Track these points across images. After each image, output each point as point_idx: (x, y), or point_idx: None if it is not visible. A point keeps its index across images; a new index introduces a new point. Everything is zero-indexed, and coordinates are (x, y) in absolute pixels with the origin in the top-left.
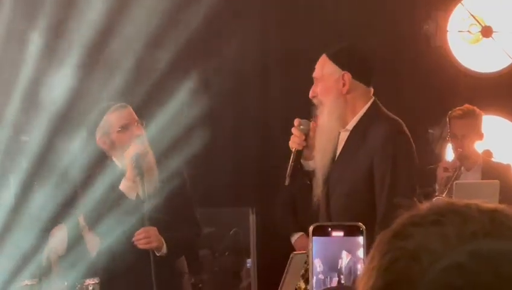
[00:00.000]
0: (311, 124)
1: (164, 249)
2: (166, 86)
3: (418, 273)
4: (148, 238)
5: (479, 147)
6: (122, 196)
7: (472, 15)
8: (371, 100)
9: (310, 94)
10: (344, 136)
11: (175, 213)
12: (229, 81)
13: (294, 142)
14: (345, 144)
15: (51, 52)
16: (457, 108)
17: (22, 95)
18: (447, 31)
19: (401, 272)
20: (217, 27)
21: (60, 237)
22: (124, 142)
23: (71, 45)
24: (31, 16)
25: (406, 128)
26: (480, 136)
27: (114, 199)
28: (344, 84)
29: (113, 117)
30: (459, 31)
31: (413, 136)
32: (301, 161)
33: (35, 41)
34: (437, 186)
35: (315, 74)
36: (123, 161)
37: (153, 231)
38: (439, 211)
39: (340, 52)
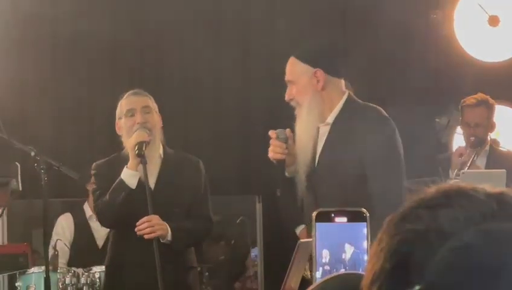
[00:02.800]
0: (287, 131)
1: (169, 237)
2: (176, 74)
3: (427, 254)
4: (151, 227)
5: (489, 136)
6: (123, 185)
7: (479, 4)
8: (346, 93)
9: (286, 98)
10: (325, 130)
11: (188, 205)
12: (235, 71)
13: (277, 153)
14: (327, 138)
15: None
16: (471, 96)
17: None
18: (454, 20)
19: (409, 253)
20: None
21: (66, 225)
22: (129, 128)
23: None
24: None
25: (385, 113)
26: (492, 126)
27: (116, 188)
28: (318, 81)
29: (123, 103)
30: (466, 20)
31: (420, 125)
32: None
33: None
34: (451, 172)
35: (287, 78)
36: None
37: (156, 219)
38: (447, 193)
39: (308, 50)
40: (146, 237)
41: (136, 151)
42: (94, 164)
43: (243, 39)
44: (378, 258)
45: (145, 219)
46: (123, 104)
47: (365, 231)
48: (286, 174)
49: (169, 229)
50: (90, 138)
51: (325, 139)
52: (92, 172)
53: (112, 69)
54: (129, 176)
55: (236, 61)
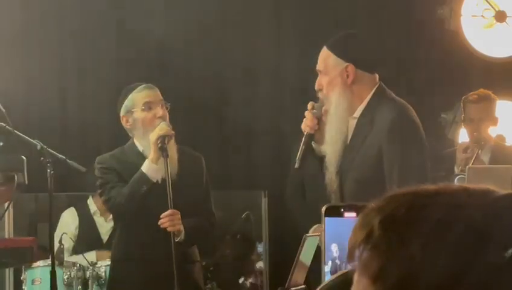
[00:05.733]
0: (323, 108)
1: (182, 236)
2: (180, 68)
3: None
4: (172, 221)
5: (492, 131)
6: (145, 178)
7: (486, 0)
8: (376, 85)
9: (316, 86)
10: (353, 123)
11: (192, 201)
12: (240, 64)
13: (307, 126)
14: (354, 131)
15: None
16: (473, 92)
17: None
18: (461, 15)
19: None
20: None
21: (71, 220)
22: (147, 122)
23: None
24: None
25: (412, 111)
26: (494, 120)
27: (137, 181)
28: (348, 76)
29: (138, 96)
30: (473, 16)
31: (426, 120)
32: (313, 144)
33: None
34: (456, 168)
35: (318, 67)
36: (143, 141)
37: (178, 214)
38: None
39: (341, 43)
40: (169, 229)
41: (159, 145)
42: (98, 157)
43: (247, 34)
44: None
45: (169, 212)
46: (137, 97)
47: None
48: (313, 146)
49: (183, 228)
50: (95, 131)
51: (352, 133)
52: (98, 166)
53: (117, 64)
54: (152, 170)
55: (241, 55)
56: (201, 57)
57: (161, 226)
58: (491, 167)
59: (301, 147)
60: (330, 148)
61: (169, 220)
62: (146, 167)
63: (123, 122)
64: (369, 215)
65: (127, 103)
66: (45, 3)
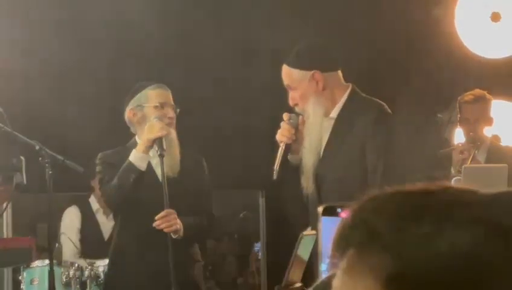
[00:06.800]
0: (300, 118)
1: (181, 233)
2: (178, 69)
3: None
4: (169, 221)
5: (487, 132)
6: (132, 168)
7: (481, 0)
8: (350, 87)
9: (291, 103)
10: (328, 124)
11: (192, 201)
12: (237, 64)
13: (284, 136)
14: (331, 132)
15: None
16: (468, 93)
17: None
18: (456, 16)
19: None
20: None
21: (74, 218)
22: (157, 118)
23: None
24: None
25: (388, 109)
26: (490, 120)
27: (125, 170)
28: (318, 83)
29: (153, 93)
30: (468, 16)
31: (422, 120)
32: (288, 157)
33: None
34: (452, 169)
35: (286, 83)
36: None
37: (173, 213)
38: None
39: (300, 56)
40: (166, 230)
41: (157, 143)
42: (100, 153)
43: (245, 33)
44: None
45: (164, 212)
46: (152, 94)
47: None
48: (289, 158)
49: (182, 226)
50: (95, 131)
51: (329, 133)
52: (98, 161)
53: (117, 65)
54: (138, 158)
55: (238, 54)
56: (199, 55)
57: (157, 227)
58: (486, 166)
59: (278, 158)
60: (307, 153)
61: (165, 221)
62: (133, 156)
63: (129, 115)
64: (361, 215)
65: (139, 96)
66: (44, 3)
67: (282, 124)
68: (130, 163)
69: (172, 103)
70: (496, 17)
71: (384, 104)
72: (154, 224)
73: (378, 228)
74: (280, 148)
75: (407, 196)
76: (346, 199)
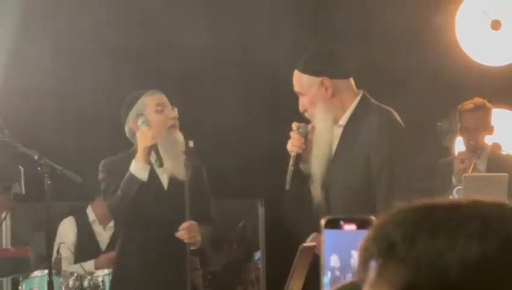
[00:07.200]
0: (309, 126)
1: (199, 244)
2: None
3: None
4: (190, 233)
5: (488, 140)
6: (134, 179)
7: (481, 9)
8: (360, 94)
9: (301, 109)
10: (338, 131)
11: (194, 208)
12: (237, 73)
13: (294, 146)
14: (340, 140)
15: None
16: (468, 101)
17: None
18: (456, 24)
19: None
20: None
21: (69, 229)
22: (160, 123)
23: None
24: None
25: (398, 117)
26: (490, 129)
27: (127, 182)
28: (327, 89)
29: (150, 98)
30: (469, 25)
31: (422, 129)
32: (300, 166)
33: None
34: (454, 178)
35: (296, 89)
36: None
37: (195, 225)
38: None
39: (309, 62)
40: (186, 241)
41: (155, 154)
42: (102, 161)
43: (244, 40)
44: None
45: (186, 224)
46: (150, 100)
47: None
48: (301, 167)
49: (200, 238)
50: (93, 141)
51: (338, 141)
52: (101, 168)
53: (114, 73)
54: (139, 169)
55: (238, 63)
56: (198, 63)
57: (179, 237)
58: (486, 175)
59: (290, 168)
60: (316, 161)
61: (187, 232)
62: (133, 167)
63: (133, 126)
64: (384, 228)
65: (137, 106)
66: (42, 13)
67: (292, 133)
68: (131, 174)
69: (168, 103)
70: (496, 25)
71: (393, 111)
72: (177, 234)
73: (396, 240)
74: (291, 158)
75: (430, 209)
76: (354, 208)
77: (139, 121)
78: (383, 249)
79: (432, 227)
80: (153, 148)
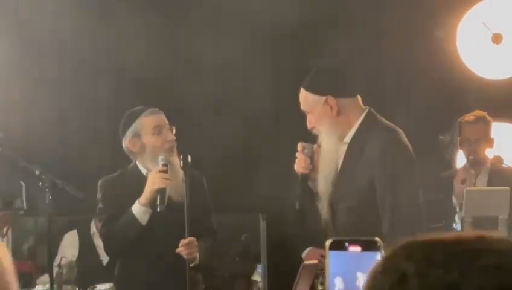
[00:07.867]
0: (314, 146)
1: (197, 261)
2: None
3: None
4: (190, 249)
5: (489, 153)
6: (135, 222)
7: (482, 22)
8: (366, 111)
9: (308, 126)
10: (343, 149)
11: (194, 220)
12: (242, 87)
13: (301, 167)
14: (344, 157)
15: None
16: (468, 114)
17: None
18: (458, 37)
19: None
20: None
21: (71, 243)
22: (157, 146)
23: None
24: None
25: (403, 136)
26: (491, 142)
27: (127, 224)
28: (332, 108)
29: (147, 120)
30: (470, 38)
31: (424, 142)
32: (309, 184)
33: None
34: (454, 198)
35: (302, 108)
36: (149, 165)
37: (195, 241)
38: None
39: (314, 80)
40: (186, 257)
41: (159, 198)
42: (101, 180)
43: (245, 55)
44: None
45: (187, 240)
46: (147, 122)
47: (379, 257)
48: (309, 185)
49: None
50: (94, 156)
51: (343, 158)
52: (99, 188)
53: (116, 88)
54: (142, 212)
55: (241, 78)
56: (198, 78)
57: (179, 253)
58: (488, 189)
59: (298, 188)
60: (322, 179)
61: (187, 248)
62: (136, 209)
63: (129, 145)
64: (394, 259)
65: (135, 126)
66: (43, 30)
67: (298, 154)
68: (133, 217)
69: (167, 123)
70: (497, 38)
71: (399, 130)
72: (178, 250)
73: (407, 273)
74: (299, 179)
75: (438, 243)
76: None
77: (153, 170)
78: (394, 282)
79: (445, 261)
80: (160, 191)
